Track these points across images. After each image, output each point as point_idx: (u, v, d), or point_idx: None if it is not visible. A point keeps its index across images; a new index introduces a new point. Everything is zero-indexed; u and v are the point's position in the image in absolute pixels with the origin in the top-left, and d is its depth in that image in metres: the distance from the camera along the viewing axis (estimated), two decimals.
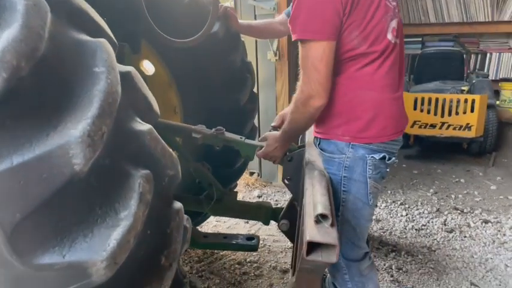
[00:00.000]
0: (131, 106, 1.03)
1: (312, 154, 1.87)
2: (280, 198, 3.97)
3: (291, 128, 1.70)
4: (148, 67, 2.44)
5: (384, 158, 1.58)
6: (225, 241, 2.22)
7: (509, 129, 5.96)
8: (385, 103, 1.58)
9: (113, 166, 0.92)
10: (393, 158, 1.63)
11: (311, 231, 1.24)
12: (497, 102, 5.50)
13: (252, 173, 4.40)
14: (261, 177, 4.33)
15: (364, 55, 1.51)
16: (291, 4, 1.57)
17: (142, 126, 1.00)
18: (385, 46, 1.53)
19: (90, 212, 0.86)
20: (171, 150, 1.10)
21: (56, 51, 0.86)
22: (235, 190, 2.60)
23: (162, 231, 1.03)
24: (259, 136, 2.91)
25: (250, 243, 2.22)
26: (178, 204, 1.09)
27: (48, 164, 0.78)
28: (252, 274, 2.76)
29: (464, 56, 5.62)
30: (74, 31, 0.94)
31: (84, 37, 0.95)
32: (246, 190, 4.12)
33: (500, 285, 2.59)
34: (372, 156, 1.57)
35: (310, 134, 2.00)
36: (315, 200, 1.38)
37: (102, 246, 0.83)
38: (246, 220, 3.45)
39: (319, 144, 1.73)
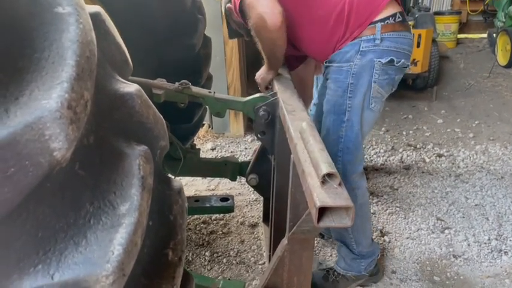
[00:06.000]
0: (107, 60, 0.77)
1: (289, 103, 1.69)
2: (235, 149, 3.80)
3: (265, 55, 1.73)
4: None
5: (391, 61, 1.57)
6: (197, 205, 2.01)
7: (445, 62, 6.14)
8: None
9: (99, 145, 0.67)
10: (403, 60, 1.59)
11: (320, 195, 1.08)
12: None
13: (202, 125, 4.15)
14: (212, 128, 4.09)
15: None
16: None
17: (129, 87, 0.75)
18: None
19: (78, 211, 0.63)
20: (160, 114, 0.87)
21: None
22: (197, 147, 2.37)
23: (164, 219, 0.81)
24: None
25: (226, 204, 2.04)
26: (178, 183, 0.86)
27: (13, 153, 0.53)
28: (220, 232, 2.61)
29: None
30: None
31: None
32: (198, 143, 3.88)
33: (463, 217, 2.67)
34: (379, 61, 1.57)
35: (279, 80, 1.82)
36: (315, 157, 1.22)
37: (103, 255, 0.61)
38: None
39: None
